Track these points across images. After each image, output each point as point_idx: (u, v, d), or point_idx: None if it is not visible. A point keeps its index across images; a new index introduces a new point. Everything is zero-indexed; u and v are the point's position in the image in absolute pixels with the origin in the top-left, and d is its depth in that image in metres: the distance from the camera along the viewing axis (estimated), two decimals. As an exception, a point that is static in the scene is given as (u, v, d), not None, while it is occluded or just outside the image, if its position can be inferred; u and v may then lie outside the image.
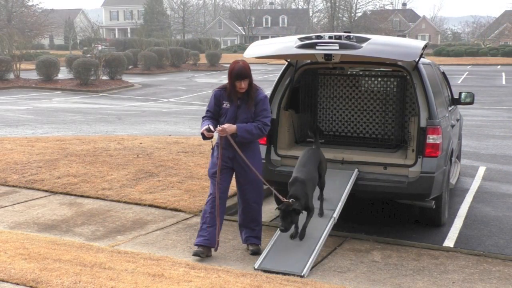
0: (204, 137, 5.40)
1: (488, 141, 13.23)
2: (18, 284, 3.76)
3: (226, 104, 5.49)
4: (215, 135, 5.44)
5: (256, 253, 5.56)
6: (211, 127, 5.34)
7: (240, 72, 5.32)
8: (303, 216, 5.47)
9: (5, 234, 5.54)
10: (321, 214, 5.75)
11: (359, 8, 72.10)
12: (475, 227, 6.84)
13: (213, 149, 5.60)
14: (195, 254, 5.40)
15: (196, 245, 5.50)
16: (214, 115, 5.53)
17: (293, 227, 5.45)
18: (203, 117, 5.57)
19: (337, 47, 5.83)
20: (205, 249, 5.45)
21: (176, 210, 6.94)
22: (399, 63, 6.37)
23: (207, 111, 5.56)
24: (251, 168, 5.42)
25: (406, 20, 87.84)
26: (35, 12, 58.88)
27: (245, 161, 5.40)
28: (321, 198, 5.84)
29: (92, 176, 8.21)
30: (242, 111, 5.45)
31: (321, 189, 5.87)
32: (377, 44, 5.88)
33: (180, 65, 43.50)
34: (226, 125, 5.32)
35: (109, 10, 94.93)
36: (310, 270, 5.12)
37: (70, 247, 5.17)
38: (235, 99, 5.46)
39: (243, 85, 5.36)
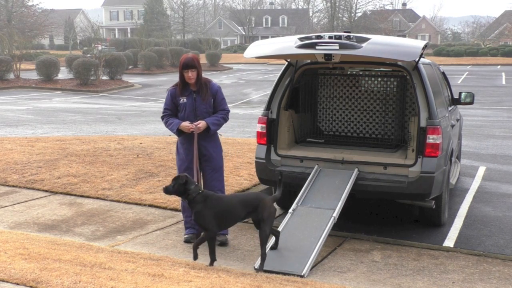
0: (181, 133, 5.73)
1: (488, 141, 13.23)
2: (18, 284, 3.76)
3: (183, 100, 5.78)
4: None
5: (224, 243, 5.78)
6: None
7: (188, 62, 5.64)
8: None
9: (5, 234, 5.53)
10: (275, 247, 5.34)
11: (359, 8, 72.07)
12: (475, 227, 6.84)
13: (177, 147, 5.92)
14: (186, 241, 5.84)
15: (185, 235, 5.89)
16: (172, 112, 5.85)
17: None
18: (163, 116, 5.86)
19: (337, 47, 5.83)
20: (195, 235, 5.78)
21: (176, 210, 6.94)
22: (399, 63, 6.37)
23: (165, 109, 5.87)
24: (215, 156, 5.86)
25: (406, 20, 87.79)
26: (35, 12, 58.84)
27: (209, 150, 5.83)
28: (275, 233, 5.34)
29: (92, 176, 8.21)
30: (199, 103, 5.75)
31: (276, 236, 5.35)
32: (377, 44, 5.88)
33: (180, 65, 43.47)
34: (200, 124, 5.65)
35: (109, 10, 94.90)
36: (310, 270, 5.12)
37: (70, 247, 5.17)
38: (185, 92, 5.74)
39: (190, 74, 5.65)
